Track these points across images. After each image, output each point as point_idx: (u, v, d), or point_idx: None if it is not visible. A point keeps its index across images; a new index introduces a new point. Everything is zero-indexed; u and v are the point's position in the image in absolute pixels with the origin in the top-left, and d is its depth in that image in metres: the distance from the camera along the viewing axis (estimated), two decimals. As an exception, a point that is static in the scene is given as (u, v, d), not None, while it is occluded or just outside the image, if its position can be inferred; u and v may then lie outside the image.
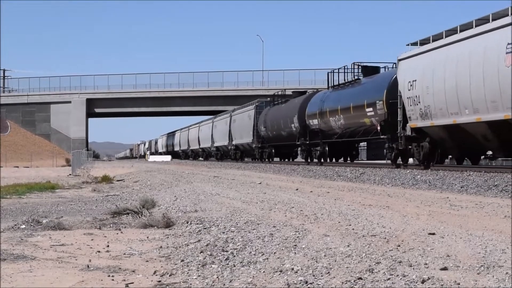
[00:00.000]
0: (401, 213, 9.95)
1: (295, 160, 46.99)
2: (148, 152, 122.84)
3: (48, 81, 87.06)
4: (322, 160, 35.62)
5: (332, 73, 36.14)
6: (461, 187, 15.08)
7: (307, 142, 37.20)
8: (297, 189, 16.42)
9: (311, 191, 15.57)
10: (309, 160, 37.72)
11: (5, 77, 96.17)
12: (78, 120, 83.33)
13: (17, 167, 61.06)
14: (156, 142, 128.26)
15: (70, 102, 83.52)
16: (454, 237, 7.28)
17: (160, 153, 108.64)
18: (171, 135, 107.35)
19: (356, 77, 32.83)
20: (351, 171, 24.28)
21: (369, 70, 32.21)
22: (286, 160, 47.15)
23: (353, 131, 31.28)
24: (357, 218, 9.46)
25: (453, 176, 17.78)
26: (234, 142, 56.35)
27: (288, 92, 46.59)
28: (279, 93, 47.47)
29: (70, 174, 41.26)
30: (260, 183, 19.76)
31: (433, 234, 7.56)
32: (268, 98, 49.51)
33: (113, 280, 6.84)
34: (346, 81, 33.33)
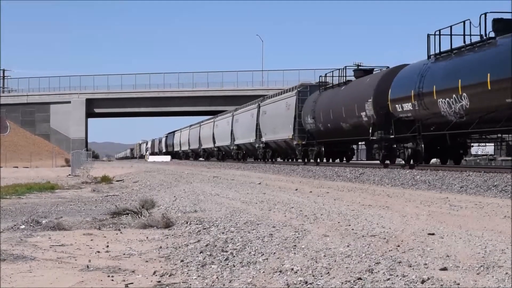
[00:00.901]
0: (400, 213, 9.95)
1: (350, 161, 36.40)
2: (147, 153, 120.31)
3: (47, 81, 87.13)
4: (416, 163, 24.23)
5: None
6: (461, 187, 15.08)
7: (392, 137, 25.78)
8: (296, 190, 16.42)
9: (311, 192, 15.57)
10: (388, 162, 27.03)
11: (5, 77, 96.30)
12: (78, 120, 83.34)
13: (17, 167, 61.06)
14: (160, 141, 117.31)
15: (69, 102, 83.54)
16: (453, 237, 7.28)
17: (167, 153, 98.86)
18: (178, 132, 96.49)
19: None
20: (350, 171, 24.28)
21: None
22: (337, 160, 36.99)
23: (487, 116, 19.87)
24: (357, 218, 9.46)
25: (452, 176, 17.78)
26: (263, 139, 45.26)
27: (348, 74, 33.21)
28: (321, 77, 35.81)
29: (69, 175, 41.25)
30: (259, 184, 19.77)
31: (433, 234, 7.57)
32: (313, 82, 39.55)
33: (112, 280, 6.84)
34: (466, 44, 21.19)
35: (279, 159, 47.08)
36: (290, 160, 44.95)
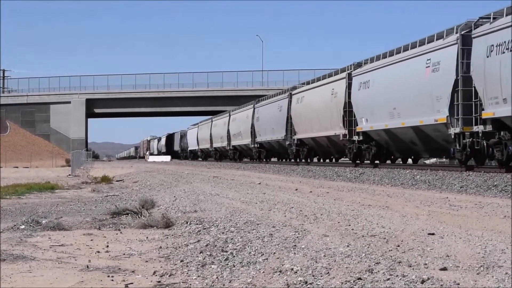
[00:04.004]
0: (400, 213, 9.95)
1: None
2: (147, 153, 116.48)
3: (47, 81, 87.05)
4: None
5: None
6: (461, 187, 15.08)
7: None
8: (296, 189, 16.41)
9: (311, 191, 15.57)
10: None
11: (5, 77, 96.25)
12: (78, 121, 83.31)
13: (17, 167, 61.02)
14: (182, 136, 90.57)
15: (69, 102, 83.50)
16: (453, 237, 7.28)
17: (193, 152, 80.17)
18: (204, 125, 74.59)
19: None
20: (350, 171, 24.29)
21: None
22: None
23: None
24: (357, 218, 9.46)
25: (452, 176, 17.78)
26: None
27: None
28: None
29: (69, 175, 41.24)
30: (259, 184, 19.76)
31: (433, 234, 7.56)
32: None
33: (112, 280, 6.84)
34: None
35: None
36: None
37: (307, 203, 12.41)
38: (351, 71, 29.00)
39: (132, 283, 6.66)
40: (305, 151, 36.56)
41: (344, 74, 29.85)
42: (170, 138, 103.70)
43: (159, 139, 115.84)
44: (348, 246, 7.09)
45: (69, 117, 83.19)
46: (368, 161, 28.03)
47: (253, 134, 46.99)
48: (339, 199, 13.03)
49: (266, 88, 76.75)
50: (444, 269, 5.74)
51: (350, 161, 30.21)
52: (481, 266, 5.74)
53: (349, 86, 28.74)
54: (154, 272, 7.13)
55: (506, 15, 18.29)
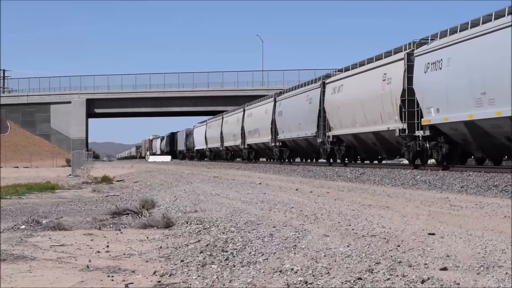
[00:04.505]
0: (401, 213, 9.95)
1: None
2: (148, 153, 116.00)
3: (48, 81, 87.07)
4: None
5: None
6: (461, 187, 15.08)
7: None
8: (297, 189, 16.41)
9: (311, 191, 15.57)
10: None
11: (5, 78, 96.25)
12: (78, 121, 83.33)
13: (17, 167, 61.03)
14: (188, 135, 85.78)
15: (70, 102, 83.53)
16: (454, 237, 7.28)
17: (200, 152, 75.29)
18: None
19: None
20: (350, 171, 24.29)
21: None
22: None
23: None
24: (357, 218, 9.46)
25: (453, 176, 17.78)
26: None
27: None
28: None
29: (70, 175, 41.25)
30: (260, 184, 19.76)
31: (433, 234, 7.56)
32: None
33: (112, 280, 6.84)
34: None
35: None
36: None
37: (307, 203, 12.41)
38: (412, 50, 23.49)
39: (132, 283, 6.66)
40: (342, 150, 30.81)
41: (400, 55, 24.29)
42: (174, 137, 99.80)
43: (162, 138, 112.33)
44: (348, 246, 7.09)
45: (69, 117, 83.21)
46: (435, 162, 22.83)
47: (274, 131, 41.63)
48: (340, 199, 13.03)
49: (266, 88, 76.74)
50: (444, 269, 5.74)
51: (408, 163, 24.83)
52: (481, 266, 5.74)
53: (408, 69, 23.29)
54: (154, 272, 7.13)
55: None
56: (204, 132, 69.84)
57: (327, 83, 32.28)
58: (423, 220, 9.03)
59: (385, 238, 7.47)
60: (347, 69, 30.38)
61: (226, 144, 57.92)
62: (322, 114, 32.41)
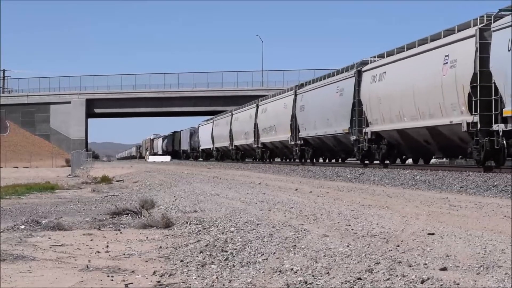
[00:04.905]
0: (400, 213, 9.95)
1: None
2: (147, 153, 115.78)
3: (47, 81, 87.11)
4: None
5: None
6: (461, 187, 15.09)
7: None
8: (296, 190, 16.41)
9: (311, 192, 15.57)
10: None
11: (5, 78, 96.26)
12: (78, 121, 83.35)
13: (17, 167, 61.02)
14: (192, 134, 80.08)
15: (69, 102, 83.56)
16: (453, 237, 7.28)
17: (206, 151, 70.54)
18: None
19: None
20: (350, 171, 24.28)
21: None
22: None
23: None
24: (357, 219, 9.46)
25: (452, 176, 17.78)
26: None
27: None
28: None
29: (69, 175, 41.23)
30: (259, 184, 19.76)
31: (433, 234, 7.57)
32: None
33: (112, 280, 6.83)
34: None
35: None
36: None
37: (307, 203, 12.41)
38: (487, 24, 18.86)
39: (132, 283, 6.66)
40: (382, 149, 26.33)
41: (471, 31, 19.53)
42: (176, 136, 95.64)
43: (164, 138, 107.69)
44: (348, 246, 7.09)
45: (69, 117, 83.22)
46: None
47: (295, 127, 37.09)
48: (339, 199, 13.03)
49: (266, 88, 76.74)
50: (444, 269, 5.74)
51: (476, 165, 20.05)
52: (481, 266, 5.74)
53: (480, 48, 18.80)
54: (154, 272, 7.13)
55: None
56: (210, 131, 65.08)
57: (364, 71, 27.59)
58: (423, 220, 9.03)
59: (384, 238, 7.47)
60: (390, 54, 25.88)
61: (236, 143, 53.31)
62: (356, 108, 27.92)
